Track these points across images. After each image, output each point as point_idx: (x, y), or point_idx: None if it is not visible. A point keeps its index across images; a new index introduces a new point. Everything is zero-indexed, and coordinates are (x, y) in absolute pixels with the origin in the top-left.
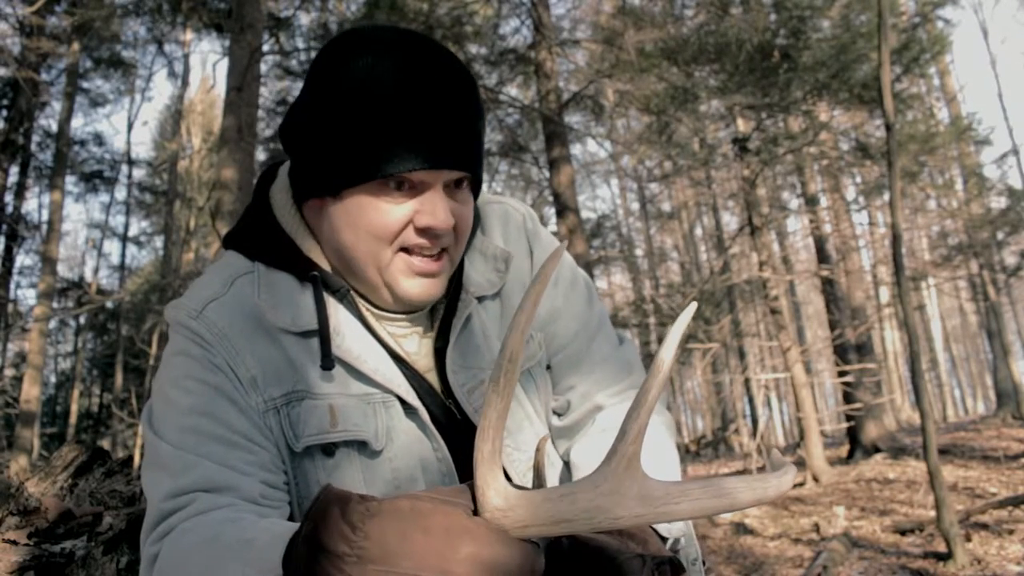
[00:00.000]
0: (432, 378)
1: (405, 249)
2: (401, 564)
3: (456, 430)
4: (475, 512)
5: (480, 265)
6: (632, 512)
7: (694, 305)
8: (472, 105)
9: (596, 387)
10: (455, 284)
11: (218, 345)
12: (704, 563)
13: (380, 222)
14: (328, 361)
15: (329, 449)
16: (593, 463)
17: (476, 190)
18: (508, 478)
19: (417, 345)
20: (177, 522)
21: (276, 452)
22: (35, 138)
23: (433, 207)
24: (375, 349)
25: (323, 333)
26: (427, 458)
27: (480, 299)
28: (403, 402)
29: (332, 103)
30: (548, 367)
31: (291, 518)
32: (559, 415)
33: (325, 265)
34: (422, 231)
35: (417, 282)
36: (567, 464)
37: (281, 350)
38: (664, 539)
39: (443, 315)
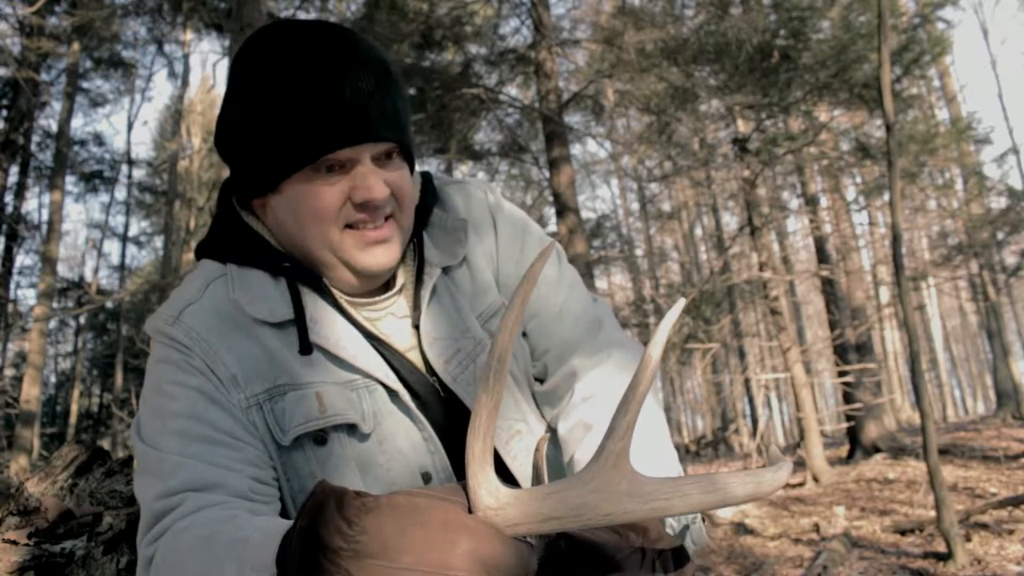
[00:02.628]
0: (414, 356)
1: (350, 226)
2: (400, 559)
3: (442, 405)
4: (470, 510)
5: (441, 239)
6: (622, 508)
7: (682, 302)
8: (381, 77)
9: (569, 349)
10: (419, 260)
11: (196, 348)
12: (704, 519)
13: (319, 205)
14: (306, 347)
15: (320, 437)
16: (579, 438)
17: (408, 158)
18: (498, 459)
19: (394, 326)
20: (171, 523)
21: (262, 448)
22: (35, 138)
23: (365, 181)
24: (353, 335)
25: (299, 320)
26: (415, 439)
27: (446, 270)
28: (386, 386)
29: (247, 104)
30: (524, 334)
31: (283, 513)
32: (540, 381)
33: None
34: (360, 206)
35: (370, 251)
36: (555, 436)
37: (260, 345)
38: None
39: (413, 292)
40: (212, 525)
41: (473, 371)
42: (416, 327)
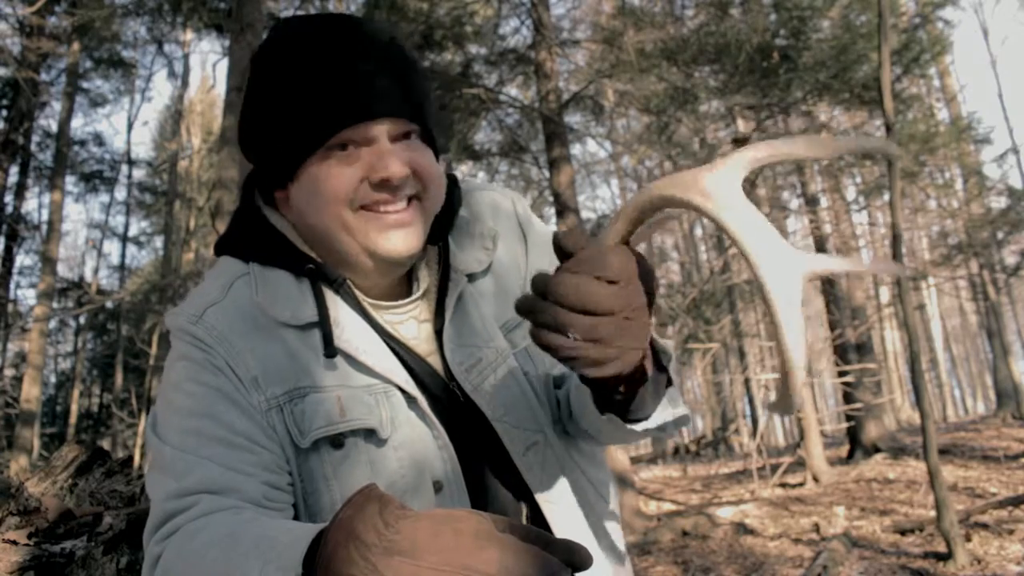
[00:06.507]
0: (434, 361)
1: (365, 207)
2: (427, 558)
3: (460, 412)
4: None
5: (467, 245)
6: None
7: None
8: (393, 56)
9: None
10: (444, 265)
11: (218, 347)
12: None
13: (333, 185)
14: (331, 350)
15: (338, 440)
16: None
17: (430, 143)
18: (508, 458)
19: (416, 330)
20: (182, 523)
21: (280, 452)
22: (35, 138)
23: (382, 159)
24: (374, 339)
25: (324, 324)
26: (429, 446)
27: (471, 278)
28: (404, 392)
29: (262, 97)
30: None
31: (295, 518)
32: (558, 386)
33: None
34: (379, 185)
35: (392, 234)
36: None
37: (282, 346)
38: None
39: (436, 296)
40: (234, 525)
41: (493, 381)
42: (437, 332)
